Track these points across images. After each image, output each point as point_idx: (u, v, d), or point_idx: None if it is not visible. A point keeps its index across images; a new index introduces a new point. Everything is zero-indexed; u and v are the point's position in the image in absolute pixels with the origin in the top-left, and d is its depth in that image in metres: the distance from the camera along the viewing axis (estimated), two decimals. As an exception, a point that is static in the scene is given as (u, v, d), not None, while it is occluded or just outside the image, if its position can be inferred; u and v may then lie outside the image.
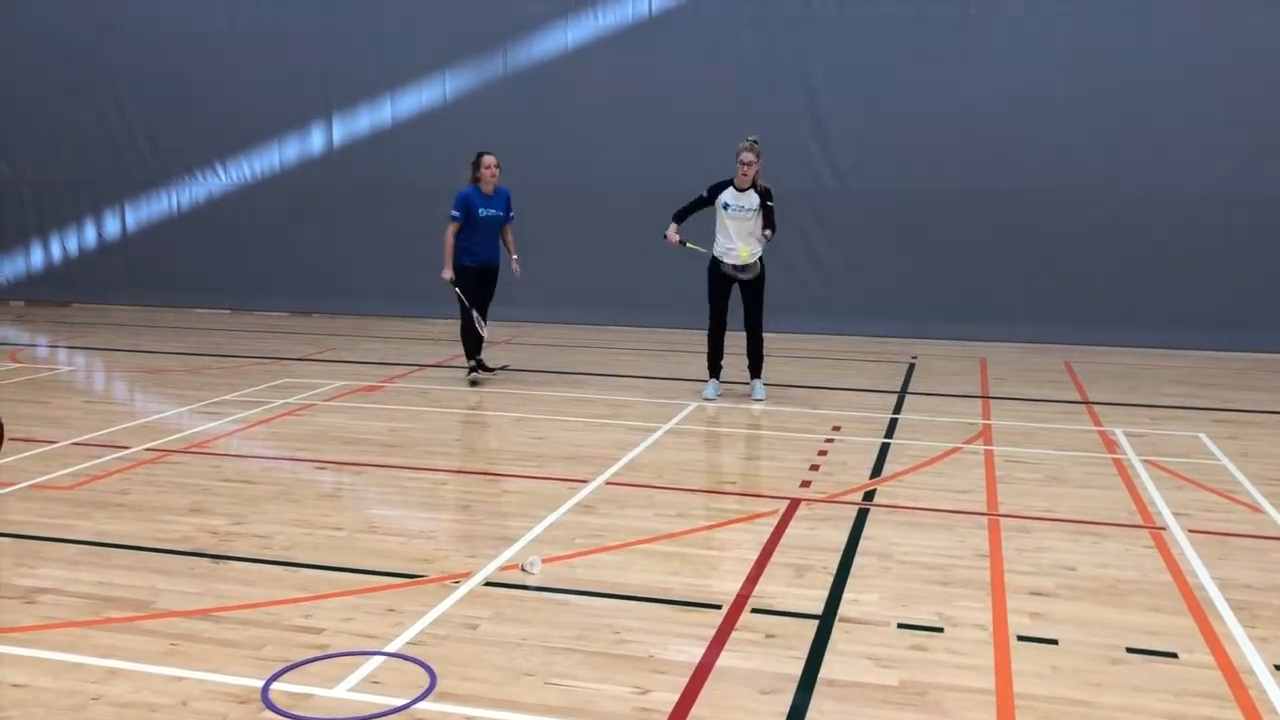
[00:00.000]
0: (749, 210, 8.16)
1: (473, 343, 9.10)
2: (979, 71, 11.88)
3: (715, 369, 8.64)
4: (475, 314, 8.88)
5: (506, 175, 8.99)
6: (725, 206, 8.19)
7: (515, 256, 9.07)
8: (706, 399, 8.49)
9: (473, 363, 9.18)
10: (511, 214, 9.00)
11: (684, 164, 11.53)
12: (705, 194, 8.27)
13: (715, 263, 8.31)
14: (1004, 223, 12.00)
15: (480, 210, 8.81)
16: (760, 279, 8.30)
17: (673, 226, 8.33)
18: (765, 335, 8.53)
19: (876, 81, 12.13)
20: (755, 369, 8.57)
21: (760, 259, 8.27)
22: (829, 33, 12.27)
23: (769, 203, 8.14)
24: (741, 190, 8.18)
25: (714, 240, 8.33)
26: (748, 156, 8.08)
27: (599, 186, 12.92)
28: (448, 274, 8.81)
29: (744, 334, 8.46)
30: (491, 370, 9.39)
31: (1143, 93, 11.47)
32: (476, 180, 8.82)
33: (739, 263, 8.17)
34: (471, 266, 8.90)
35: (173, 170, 14.45)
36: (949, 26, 11.96)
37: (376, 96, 13.64)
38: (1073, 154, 11.70)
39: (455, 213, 8.77)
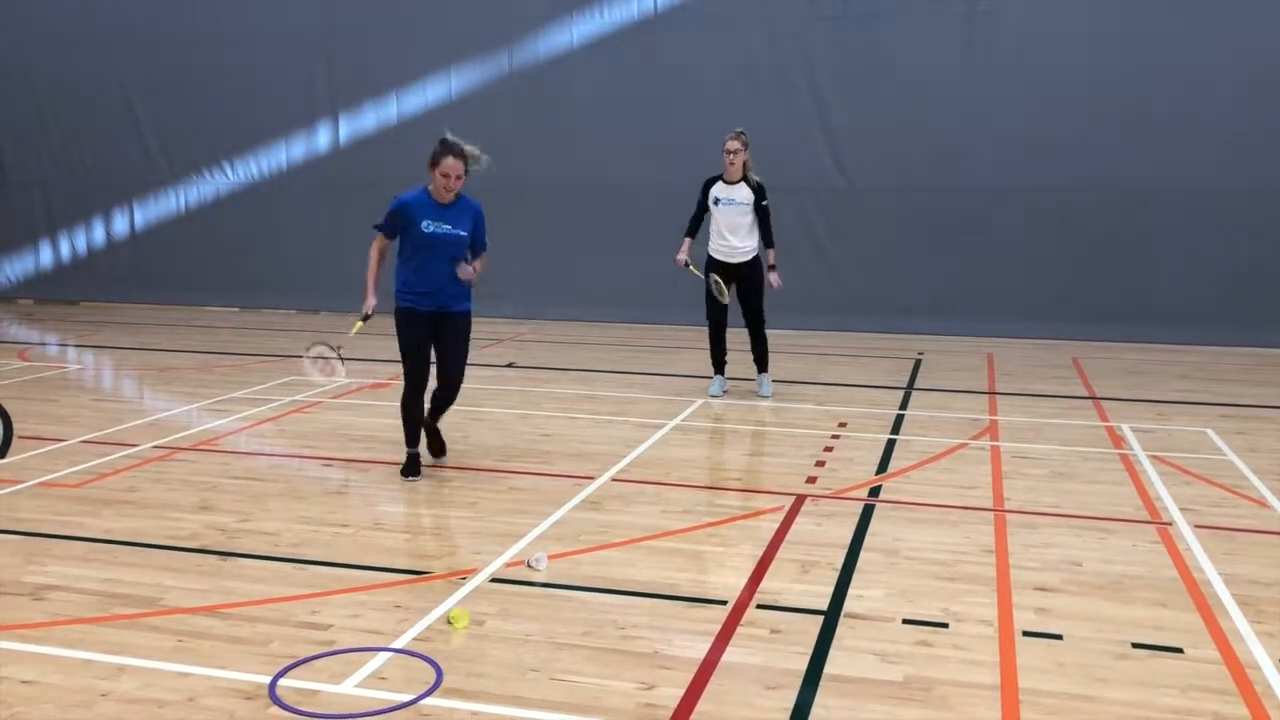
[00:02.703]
0: (739, 204, 8.11)
1: (412, 424, 6.09)
2: (985, 69, 11.85)
3: (719, 365, 8.63)
4: (413, 379, 5.96)
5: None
6: (715, 201, 8.17)
7: (474, 264, 5.96)
8: (712, 395, 8.49)
9: (411, 451, 6.11)
10: (486, 240, 6.10)
11: (690, 161, 11.37)
12: (701, 197, 8.26)
13: (708, 273, 8.28)
14: (1010, 219, 11.97)
15: (425, 224, 5.80)
16: (755, 276, 8.23)
17: (684, 244, 8.25)
18: (771, 332, 8.52)
19: (883, 78, 12.10)
20: (761, 364, 8.56)
21: (756, 256, 8.24)
22: (835, 30, 12.25)
23: (764, 202, 8.10)
24: (731, 183, 8.14)
25: (709, 241, 8.30)
26: (732, 145, 8.06)
27: (604, 184, 12.92)
28: (367, 304, 6.08)
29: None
30: (418, 472, 6.11)
31: (1149, 90, 11.43)
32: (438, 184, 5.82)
33: (732, 261, 8.14)
34: (417, 312, 5.92)
35: (181, 169, 14.51)
36: (955, 23, 11.94)
37: (382, 94, 13.67)
38: (1079, 150, 11.66)
39: (380, 221, 6.01)
